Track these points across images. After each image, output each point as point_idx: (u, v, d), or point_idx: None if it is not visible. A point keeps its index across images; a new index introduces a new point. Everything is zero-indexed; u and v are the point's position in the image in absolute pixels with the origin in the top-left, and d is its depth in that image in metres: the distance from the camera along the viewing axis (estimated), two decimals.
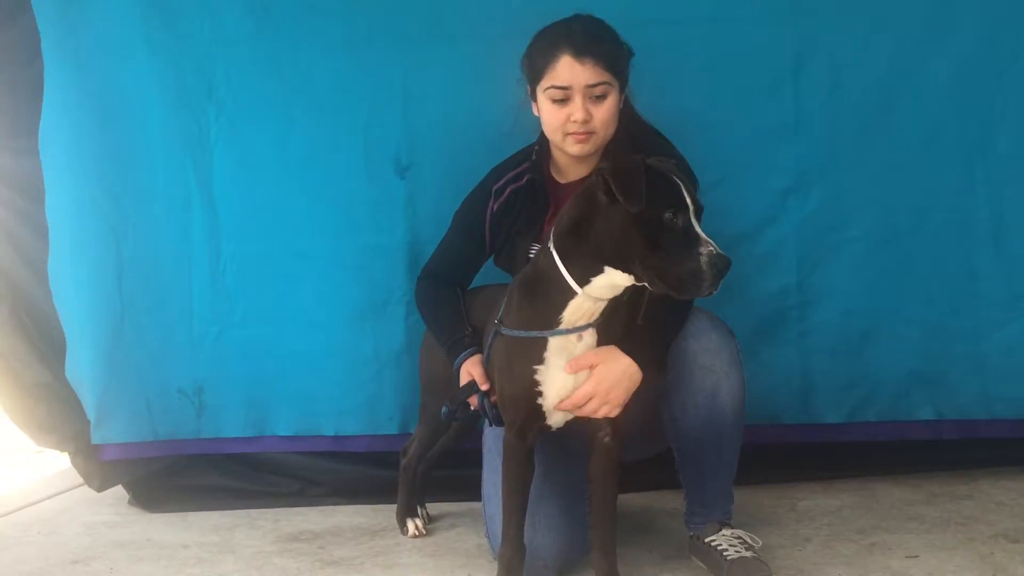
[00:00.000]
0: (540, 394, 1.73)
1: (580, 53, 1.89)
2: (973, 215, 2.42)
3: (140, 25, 2.40)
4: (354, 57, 2.42)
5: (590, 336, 1.72)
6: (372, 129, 2.45)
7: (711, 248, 1.54)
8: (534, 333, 1.71)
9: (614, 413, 1.73)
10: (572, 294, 1.66)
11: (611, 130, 1.96)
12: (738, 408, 1.86)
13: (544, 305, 1.70)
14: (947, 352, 2.44)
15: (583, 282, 1.65)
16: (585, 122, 1.91)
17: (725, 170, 2.35)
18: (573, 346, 1.71)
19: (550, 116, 1.95)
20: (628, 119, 2.01)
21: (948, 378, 2.45)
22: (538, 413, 1.75)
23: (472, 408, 1.90)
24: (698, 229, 1.57)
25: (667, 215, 1.56)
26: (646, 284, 1.60)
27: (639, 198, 1.55)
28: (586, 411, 1.73)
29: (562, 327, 1.69)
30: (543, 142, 2.07)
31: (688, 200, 1.58)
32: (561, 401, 1.72)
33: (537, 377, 1.72)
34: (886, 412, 2.46)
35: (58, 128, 2.46)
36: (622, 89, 1.97)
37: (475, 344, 1.94)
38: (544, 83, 1.93)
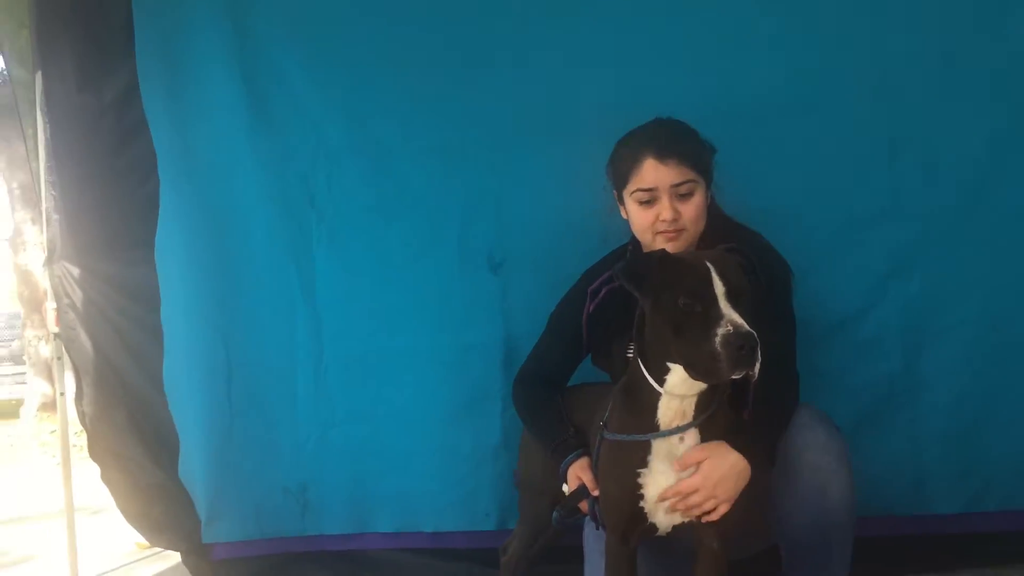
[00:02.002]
0: (642, 497, 1.71)
1: (662, 155, 1.93)
2: None
3: (247, 142, 2.53)
4: (448, 162, 2.49)
5: (691, 437, 1.70)
6: (466, 228, 2.50)
7: (728, 328, 1.49)
8: (636, 436, 1.71)
9: (723, 509, 1.69)
10: (658, 395, 1.67)
11: (700, 226, 1.99)
12: (849, 507, 1.80)
13: (641, 408, 1.70)
14: None
15: (660, 381, 1.65)
16: (674, 220, 1.94)
17: (821, 256, 2.33)
18: (676, 448, 1.70)
19: (639, 217, 1.99)
20: (711, 213, 2.02)
21: None
22: (640, 516, 1.74)
23: (582, 513, 1.90)
24: (723, 309, 1.51)
25: (682, 301, 1.55)
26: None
27: (647, 289, 1.60)
28: (692, 503, 1.69)
29: (661, 429, 1.69)
30: (636, 242, 2.09)
31: (717, 283, 1.54)
32: (665, 491, 1.70)
33: (640, 480, 1.71)
34: (1006, 501, 2.35)
35: (172, 239, 2.59)
36: (708, 185, 1.99)
37: (580, 446, 1.92)
38: (630, 187, 1.98)
